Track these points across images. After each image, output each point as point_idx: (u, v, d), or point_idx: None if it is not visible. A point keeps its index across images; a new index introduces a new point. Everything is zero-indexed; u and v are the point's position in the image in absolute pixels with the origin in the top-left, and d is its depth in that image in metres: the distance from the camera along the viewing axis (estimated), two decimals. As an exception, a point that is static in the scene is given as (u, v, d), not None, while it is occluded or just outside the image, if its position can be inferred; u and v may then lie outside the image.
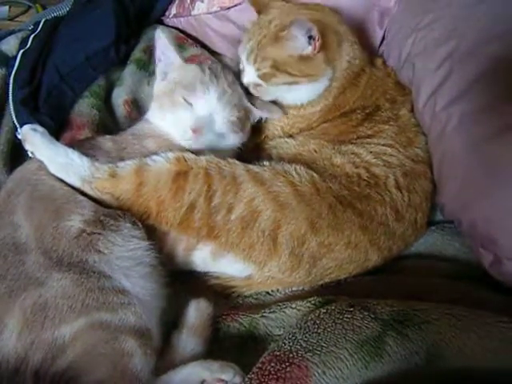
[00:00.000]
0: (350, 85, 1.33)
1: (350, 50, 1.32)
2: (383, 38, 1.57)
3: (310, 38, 1.22)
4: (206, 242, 1.07)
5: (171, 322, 0.99)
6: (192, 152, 1.11)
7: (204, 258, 1.11)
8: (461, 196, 1.14)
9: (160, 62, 1.27)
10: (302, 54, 1.25)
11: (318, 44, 1.22)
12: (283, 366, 0.80)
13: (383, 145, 1.23)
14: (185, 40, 1.79)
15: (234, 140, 1.24)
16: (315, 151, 1.23)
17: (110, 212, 1.00)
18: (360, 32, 1.54)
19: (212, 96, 1.18)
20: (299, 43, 1.23)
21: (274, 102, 1.36)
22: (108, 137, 1.19)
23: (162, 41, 1.24)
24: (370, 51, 1.50)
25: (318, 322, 0.88)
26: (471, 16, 1.24)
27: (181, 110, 1.18)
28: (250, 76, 1.32)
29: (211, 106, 1.18)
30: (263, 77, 1.29)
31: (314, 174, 1.12)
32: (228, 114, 1.20)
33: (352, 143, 1.24)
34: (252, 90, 1.33)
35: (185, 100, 1.18)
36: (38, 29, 1.71)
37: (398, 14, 1.50)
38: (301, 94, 1.33)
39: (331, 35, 1.29)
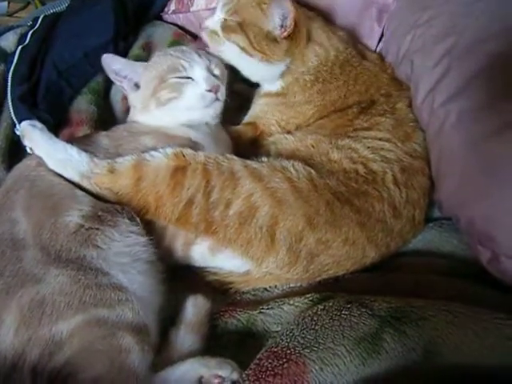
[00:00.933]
0: (333, 78, 1.36)
1: (321, 51, 1.37)
2: (382, 35, 1.57)
3: (285, 22, 1.27)
4: (204, 237, 1.08)
5: (169, 318, 0.99)
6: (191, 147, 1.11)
7: (202, 252, 1.11)
8: (459, 193, 1.14)
9: (125, 78, 1.27)
10: (271, 31, 1.30)
11: (288, 30, 1.29)
12: (281, 362, 0.80)
13: (380, 139, 1.23)
14: (184, 36, 1.79)
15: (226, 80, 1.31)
16: (312, 146, 1.24)
17: (108, 207, 1.00)
18: (358, 29, 1.56)
19: (197, 59, 1.25)
20: (274, 21, 1.29)
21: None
22: (104, 133, 1.20)
23: (115, 60, 1.26)
24: (366, 47, 1.53)
25: (315, 318, 0.88)
26: (470, 13, 1.24)
27: (186, 87, 1.22)
28: (213, 22, 1.37)
29: (204, 64, 1.25)
30: (224, 28, 1.33)
31: (312, 171, 1.13)
32: (215, 60, 1.29)
33: (349, 137, 1.25)
34: (207, 37, 1.37)
35: (183, 78, 1.22)
36: (37, 25, 1.71)
37: (396, 10, 1.50)
38: (252, 67, 1.37)
39: (301, 36, 1.34)
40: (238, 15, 1.32)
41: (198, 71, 1.23)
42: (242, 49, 1.32)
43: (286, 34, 1.29)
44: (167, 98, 1.21)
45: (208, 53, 1.32)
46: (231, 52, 1.34)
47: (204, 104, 1.22)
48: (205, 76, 1.23)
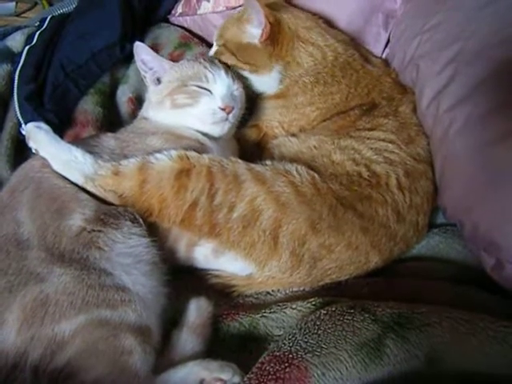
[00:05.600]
0: (335, 81, 1.36)
1: (316, 52, 1.37)
2: (388, 41, 1.57)
3: (261, 25, 1.31)
4: (207, 240, 1.08)
5: (171, 321, 0.99)
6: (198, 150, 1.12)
7: (205, 254, 1.11)
8: (463, 199, 1.13)
9: (151, 70, 1.31)
10: (250, 41, 1.34)
11: (264, 32, 1.31)
12: (282, 366, 0.80)
13: (383, 139, 1.24)
14: (191, 39, 1.79)
15: (243, 107, 1.34)
16: (315, 147, 1.24)
17: (111, 210, 1.01)
18: (364, 34, 1.56)
19: (223, 75, 1.27)
20: (253, 27, 1.32)
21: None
22: (110, 134, 1.20)
23: (146, 50, 1.29)
24: (371, 52, 1.55)
25: (318, 323, 0.87)
26: (477, 19, 1.23)
27: (202, 99, 1.23)
28: (212, 50, 1.48)
29: (226, 83, 1.27)
30: (215, 53, 1.41)
31: (315, 175, 1.13)
32: (237, 84, 1.31)
33: (351, 137, 1.25)
34: None
35: (202, 88, 1.24)
36: (44, 25, 1.72)
37: (403, 16, 1.50)
38: (250, 81, 1.41)
39: (286, 38, 1.36)
40: (223, 38, 1.39)
41: (219, 87, 1.25)
42: (233, 66, 1.37)
43: (264, 36, 1.32)
44: (182, 103, 1.23)
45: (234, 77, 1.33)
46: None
47: (213, 120, 1.23)
48: (223, 93, 1.24)
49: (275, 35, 1.34)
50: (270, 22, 1.31)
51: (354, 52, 1.42)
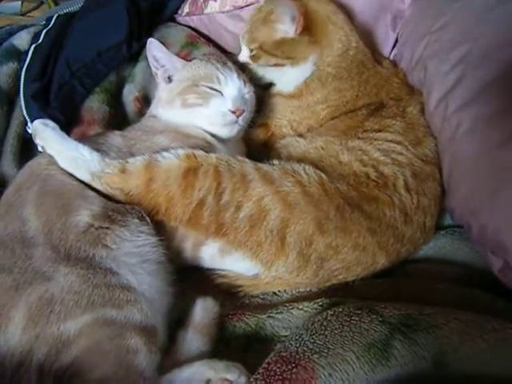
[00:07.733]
0: (349, 77, 1.36)
1: (344, 38, 1.37)
2: (396, 41, 1.56)
3: (294, 19, 1.29)
4: (214, 239, 1.07)
5: (177, 320, 0.99)
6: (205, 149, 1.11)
7: (212, 254, 1.11)
8: (471, 201, 1.13)
9: (162, 67, 1.31)
10: (285, 36, 1.33)
11: (299, 24, 1.30)
12: (289, 367, 0.79)
13: (391, 141, 1.23)
14: (197, 39, 1.78)
15: (254, 110, 1.34)
16: (322, 148, 1.24)
17: (119, 207, 1.00)
18: (372, 35, 1.56)
19: (234, 78, 1.28)
20: (284, 24, 1.31)
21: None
22: (117, 132, 1.20)
23: (159, 47, 1.29)
24: (379, 53, 1.54)
25: (325, 323, 0.87)
26: (485, 20, 1.23)
27: (213, 100, 1.23)
28: (243, 55, 1.45)
29: (237, 86, 1.27)
30: (253, 58, 1.39)
31: (323, 175, 1.12)
32: (249, 87, 1.31)
33: (359, 138, 1.25)
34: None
35: (213, 89, 1.24)
36: (51, 24, 1.72)
37: (411, 16, 1.50)
38: (287, 77, 1.40)
39: (319, 21, 1.35)
40: (255, 41, 1.37)
41: (230, 89, 1.25)
42: (274, 65, 1.37)
43: (299, 28, 1.31)
44: (192, 103, 1.23)
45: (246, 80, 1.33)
46: (267, 72, 1.42)
47: (223, 122, 1.23)
48: (234, 96, 1.24)
49: (308, 24, 1.32)
50: (301, 14, 1.30)
51: (367, 51, 1.41)
